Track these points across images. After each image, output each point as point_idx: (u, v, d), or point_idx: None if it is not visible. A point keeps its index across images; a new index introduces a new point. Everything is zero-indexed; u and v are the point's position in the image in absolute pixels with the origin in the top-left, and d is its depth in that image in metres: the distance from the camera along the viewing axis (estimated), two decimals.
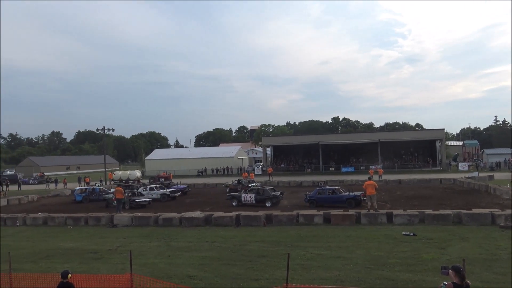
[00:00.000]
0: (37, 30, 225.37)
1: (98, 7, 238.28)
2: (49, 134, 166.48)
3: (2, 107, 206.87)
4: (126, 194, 27.97)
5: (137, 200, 27.53)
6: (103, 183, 53.01)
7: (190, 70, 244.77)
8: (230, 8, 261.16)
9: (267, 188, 27.67)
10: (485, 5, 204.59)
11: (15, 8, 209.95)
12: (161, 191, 32.04)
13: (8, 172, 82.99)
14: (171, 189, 33.30)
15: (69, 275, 7.25)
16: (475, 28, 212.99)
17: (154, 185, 34.21)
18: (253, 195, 26.32)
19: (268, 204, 25.30)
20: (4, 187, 45.01)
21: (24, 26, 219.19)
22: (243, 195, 26.82)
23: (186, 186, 37.06)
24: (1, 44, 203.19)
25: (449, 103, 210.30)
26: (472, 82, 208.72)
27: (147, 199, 28.43)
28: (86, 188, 35.05)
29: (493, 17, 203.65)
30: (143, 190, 31.74)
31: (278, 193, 26.93)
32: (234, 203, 26.41)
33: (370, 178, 22.06)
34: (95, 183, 49.21)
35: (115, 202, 25.21)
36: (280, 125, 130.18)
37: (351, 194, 24.08)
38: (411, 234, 15.07)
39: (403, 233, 15.33)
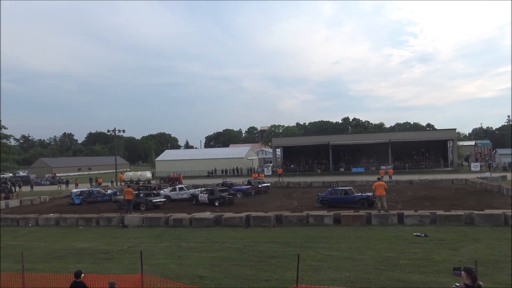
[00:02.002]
0: (51, 31, 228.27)
1: (111, 8, 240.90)
2: (61, 136, 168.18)
3: (17, 109, 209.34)
4: (141, 195, 28.33)
5: (153, 201, 27.76)
6: (114, 183, 53.40)
7: (202, 71, 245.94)
8: (242, 9, 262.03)
9: (219, 189, 29.31)
10: (499, 3, 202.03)
11: (29, 10, 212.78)
12: (191, 190, 32.40)
13: (21, 173, 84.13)
14: (201, 189, 33.57)
15: (82, 274, 7.34)
16: (489, 26, 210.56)
17: (185, 185, 34.65)
18: (207, 195, 28.24)
19: (216, 204, 27.03)
20: (17, 188, 45.59)
21: (39, 28, 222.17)
22: (200, 194, 28.72)
23: (249, 187, 35.37)
24: (7, 46, 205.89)
25: (463, 103, 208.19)
26: (486, 81, 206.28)
27: (163, 199, 28.70)
28: (83, 191, 34.84)
29: (507, 15, 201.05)
30: (173, 190, 32.16)
31: (225, 194, 28.26)
32: (194, 202, 28.78)
33: (379, 179, 21.93)
34: (106, 185, 49.60)
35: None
36: (290, 125, 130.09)
37: (363, 194, 23.91)
38: (423, 235, 14.95)
39: (414, 234, 15.22)
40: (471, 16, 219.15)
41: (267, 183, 37.65)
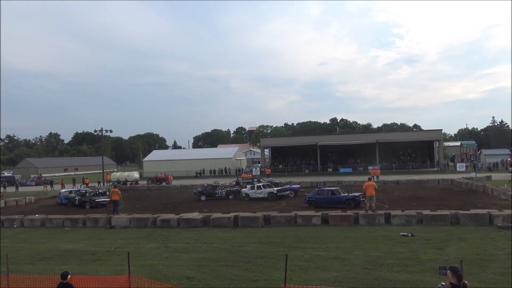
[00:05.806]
0: (35, 30, 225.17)
1: (97, 7, 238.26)
2: (46, 136, 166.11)
3: (2, 108, 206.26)
4: (87, 194, 30.19)
5: (97, 200, 29.45)
6: (101, 184, 52.88)
7: (189, 71, 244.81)
8: (229, 9, 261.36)
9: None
10: (483, 6, 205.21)
11: (15, 8, 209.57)
12: (269, 189, 31.34)
13: (6, 174, 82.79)
14: (279, 188, 32.14)
15: (69, 276, 7.26)
16: (474, 28, 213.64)
17: (262, 184, 32.90)
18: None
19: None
20: (2, 189, 44.85)
21: (23, 27, 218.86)
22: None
23: (299, 186, 34.76)
24: (0, 45, 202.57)
25: (448, 104, 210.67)
26: (470, 83, 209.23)
27: (106, 199, 29.25)
28: (71, 191, 34.77)
29: (492, 17, 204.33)
30: (251, 188, 31.41)
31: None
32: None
33: (370, 179, 22.08)
34: (93, 185, 49.06)
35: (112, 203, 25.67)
36: (278, 126, 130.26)
37: (350, 194, 24.01)
38: (409, 234, 15.08)
39: (401, 233, 15.34)
40: (455, 18, 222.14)
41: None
